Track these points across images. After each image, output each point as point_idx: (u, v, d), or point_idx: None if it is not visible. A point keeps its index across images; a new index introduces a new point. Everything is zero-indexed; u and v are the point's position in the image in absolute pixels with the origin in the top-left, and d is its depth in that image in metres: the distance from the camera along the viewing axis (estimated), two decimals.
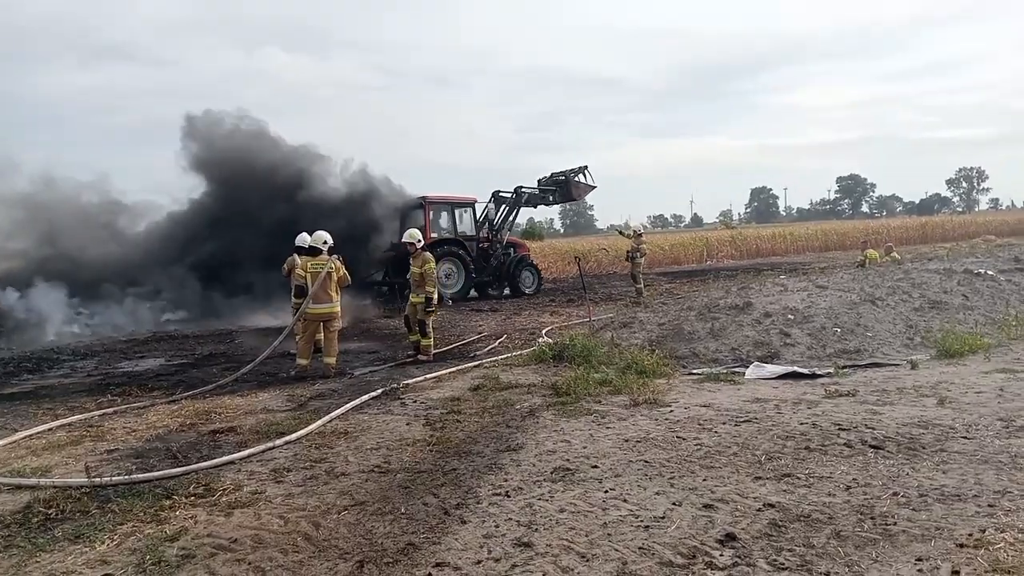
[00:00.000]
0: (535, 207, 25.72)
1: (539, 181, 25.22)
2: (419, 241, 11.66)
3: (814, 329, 10.18)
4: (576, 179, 25.06)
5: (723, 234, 53.18)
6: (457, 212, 23.29)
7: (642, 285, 20.72)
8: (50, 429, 7.51)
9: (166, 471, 5.79)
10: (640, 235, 21.40)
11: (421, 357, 11.38)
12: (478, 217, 23.87)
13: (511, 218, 24.65)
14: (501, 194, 24.21)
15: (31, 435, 7.26)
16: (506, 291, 23.66)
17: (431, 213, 22.45)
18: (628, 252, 21.11)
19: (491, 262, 23.39)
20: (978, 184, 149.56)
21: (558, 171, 25.32)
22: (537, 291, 23.95)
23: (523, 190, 24.50)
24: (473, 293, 22.99)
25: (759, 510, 4.44)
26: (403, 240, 11.83)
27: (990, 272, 13.40)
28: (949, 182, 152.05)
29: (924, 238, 54.91)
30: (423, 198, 22.49)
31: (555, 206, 27.03)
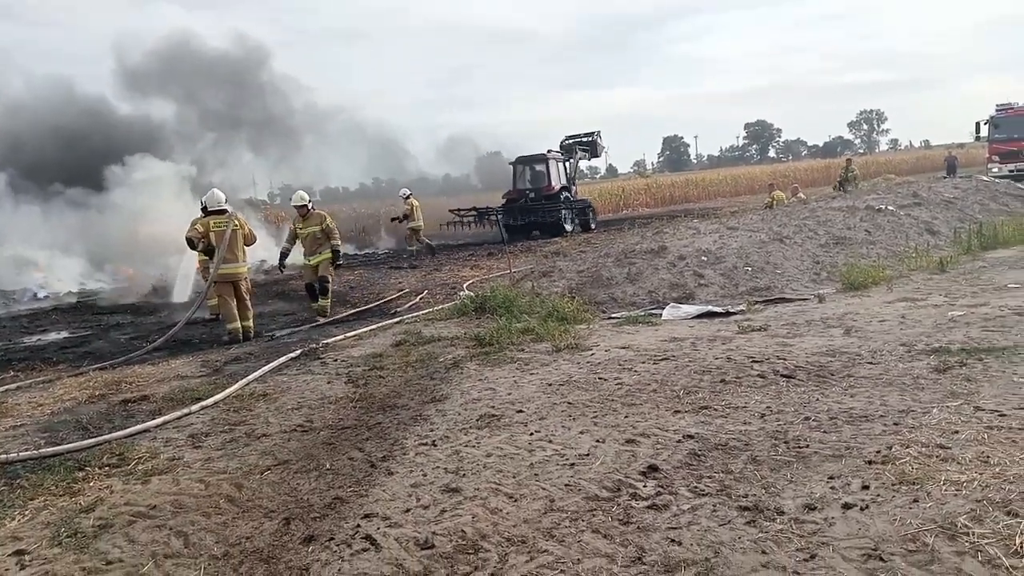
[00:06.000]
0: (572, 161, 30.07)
1: (561, 144, 29.28)
2: (310, 202, 11.51)
3: (726, 269, 10.45)
4: (598, 141, 30.10)
5: (638, 183, 53.88)
6: (560, 165, 27.65)
7: (415, 248, 22.39)
8: None
9: (77, 443, 5.57)
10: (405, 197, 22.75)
11: (321, 319, 11.16)
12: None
13: (575, 169, 29.74)
14: (554, 151, 28.21)
15: None
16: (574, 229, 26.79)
17: (551, 165, 26.79)
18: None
19: (574, 206, 27.35)
20: (878, 126, 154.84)
21: (572, 135, 30.05)
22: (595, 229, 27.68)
23: (574, 148, 29.09)
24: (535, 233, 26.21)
25: (679, 442, 4.56)
26: (294, 204, 11.48)
27: (891, 208, 13.98)
28: (851, 125, 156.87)
29: (828, 179, 56.51)
30: (549, 151, 27.37)
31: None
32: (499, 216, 25.25)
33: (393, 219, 24.59)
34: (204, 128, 27.66)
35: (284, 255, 11.69)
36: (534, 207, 25.92)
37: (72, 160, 22.52)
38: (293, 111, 30.39)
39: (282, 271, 12.49)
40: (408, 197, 22.43)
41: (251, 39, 31.72)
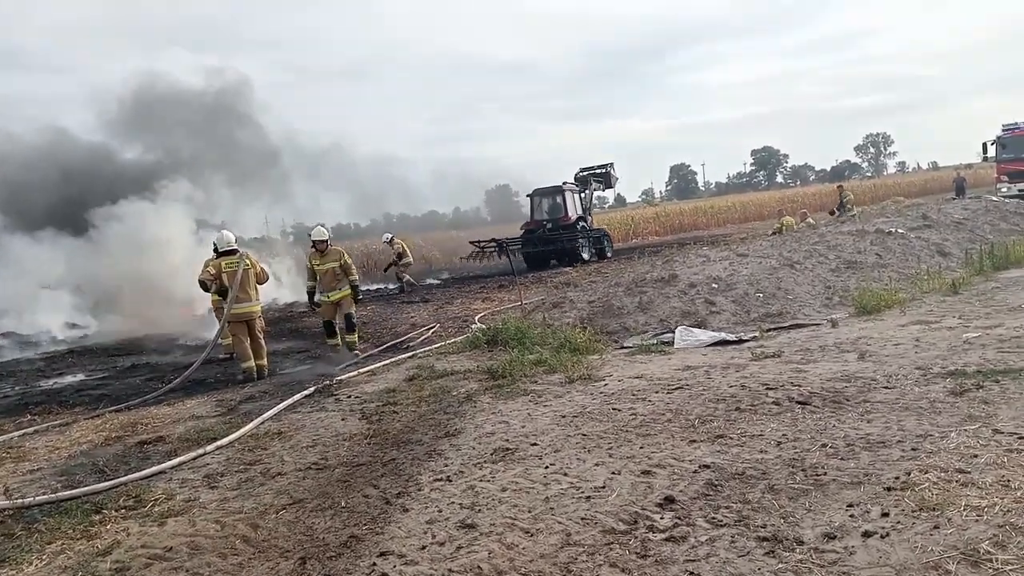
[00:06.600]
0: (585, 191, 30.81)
1: (576, 175, 30.07)
2: (329, 238, 11.52)
3: (737, 296, 10.44)
4: (612, 172, 30.78)
5: (647, 212, 54.08)
6: (576, 196, 28.35)
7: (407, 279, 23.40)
8: None
9: (92, 486, 5.58)
10: (389, 241, 23.97)
11: (358, 354, 11.20)
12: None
13: (590, 199, 30.51)
14: (570, 183, 28.90)
15: None
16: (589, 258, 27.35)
17: (567, 196, 27.46)
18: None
19: (590, 235, 28.16)
20: (885, 149, 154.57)
21: (586, 167, 30.70)
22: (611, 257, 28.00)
23: (589, 179, 29.86)
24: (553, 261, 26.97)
25: (695, 472, 4.53)
26: (314, 239, 11.44)
27: (901, 230, 13.96)
28: (857, 149, 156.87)
29: (837, 203, 56.69)
30: (565, 182, 28.22)
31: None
32: (506, 246, 25.71)
33: (387, 268, 25.16)
34: (198, 169, 27.62)
35: (312, 294, 11.66)
36: (552, 237, 26.49)
37: (74, 205, 22.74)
38: (295, 150, 30.73)
39: (313, 310, 12.32)
40: (391, 240, 23.71)
41: (234, 75, 31.52)
